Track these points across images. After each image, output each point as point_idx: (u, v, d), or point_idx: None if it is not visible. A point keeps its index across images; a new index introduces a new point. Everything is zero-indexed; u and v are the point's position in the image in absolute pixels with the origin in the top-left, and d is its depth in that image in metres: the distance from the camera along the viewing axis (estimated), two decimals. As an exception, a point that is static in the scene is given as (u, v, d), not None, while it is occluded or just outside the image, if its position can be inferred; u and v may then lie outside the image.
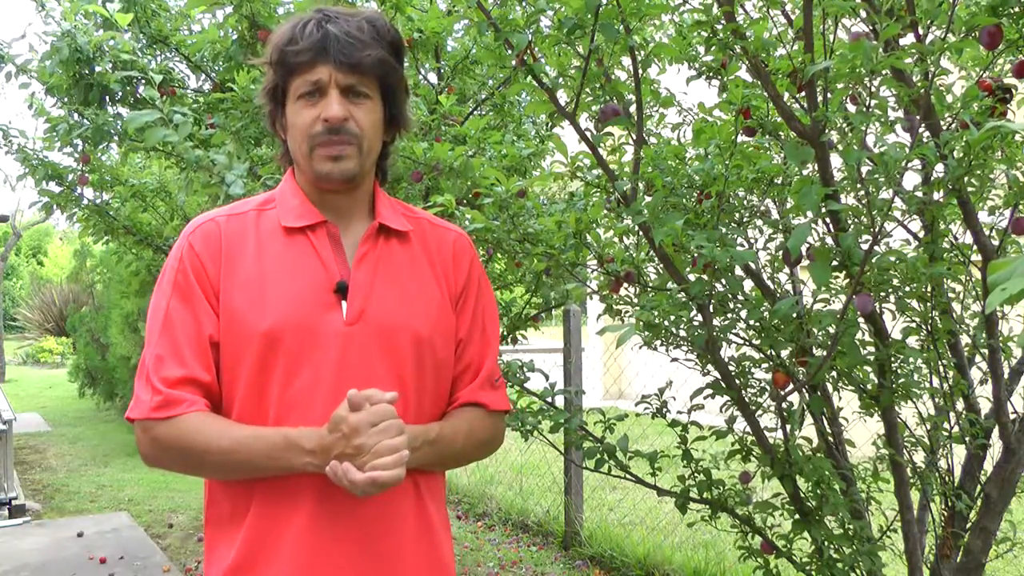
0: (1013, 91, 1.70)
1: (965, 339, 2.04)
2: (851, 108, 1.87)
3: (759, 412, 1.91)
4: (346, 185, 1.26)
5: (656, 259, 1.87)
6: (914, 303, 1.88)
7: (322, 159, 1.22)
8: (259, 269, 1.23)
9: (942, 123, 1.69)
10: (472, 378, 1.34)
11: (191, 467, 1.22)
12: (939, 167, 1.71)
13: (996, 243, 1.82)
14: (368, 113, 1.23)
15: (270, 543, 1.20)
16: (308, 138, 1.22)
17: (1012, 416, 1.91)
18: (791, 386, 1.76)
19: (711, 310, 1.79)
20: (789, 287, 2.17)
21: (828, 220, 1.76)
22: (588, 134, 1.78)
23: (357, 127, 1.22)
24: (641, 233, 1.82)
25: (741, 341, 1.91)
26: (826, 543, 1.88)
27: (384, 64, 1.22)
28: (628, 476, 2.09)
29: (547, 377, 2.21)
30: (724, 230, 1.81)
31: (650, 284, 1.94)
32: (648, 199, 1.81)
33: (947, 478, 2.06)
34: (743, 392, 1.89)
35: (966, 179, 1.62)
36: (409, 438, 1.18)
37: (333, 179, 1.23)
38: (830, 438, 2.05)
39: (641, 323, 1.80)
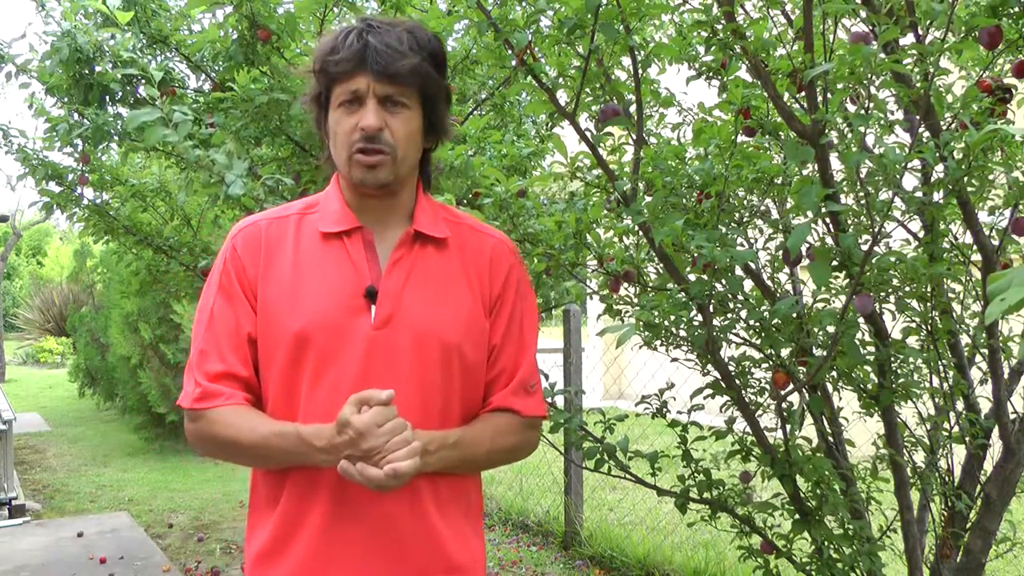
0: (1013, 91, 1.70)
1: (965, 339, 2.04)
2: (851, 108, 1.87)
3: (759, 412, 1.91)
4: (382, 191, 1.30)
5: (656, 259, 1.87)
6: (914, 303, 1.88)
7: (358, 167, 1.26)
8: (295, 272, 1.28)
9: (942, 123, 1.69)
10: (506, 383, 1.35)
11: (227, 456, 1.29)
12: (939, 167, 1.70)
13: (996, 243, 1.82)
14: (404, 123, 1.26)
15: (295, 530, 1.25)
16: (347, 146, 1.26)
17: (1012, 416, 1.91)
18: (791, 386, 1.76)
19: (711, 310, 1.79)
20: (789, 287, 2.17)
21: (828, 220, 1.76)
22: (588, 134, 1.78)
23: (392, 137, 1.25)
24: (641, 233, 1.82)
25: (741, 341, 1.91)
26: (826, 543, 1.88)
27: (422, 74, 1.25)
28: (628, 476, 2.09)
29: (547, 377, 2.20)
30: (724, 230, 1.81)
31: (650, 284, 1.94)
32: (648, 199, 1.81)
33: (947, 478, 2.06)
34: (743, 392, 1.89)
35: (966, 180, 1.62)
36: (425, 441, 1.21)
37: (368, 185, 1.27)
38: (830, 438, 2.05)
39: (641, 323, 1.79)
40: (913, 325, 1.94)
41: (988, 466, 1.98)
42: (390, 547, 1.24)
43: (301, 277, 1.27)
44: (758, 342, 1.88)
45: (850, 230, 1.72)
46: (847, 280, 1.70)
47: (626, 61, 1.84)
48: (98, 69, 2.99)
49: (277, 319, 1.26)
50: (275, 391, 1.27)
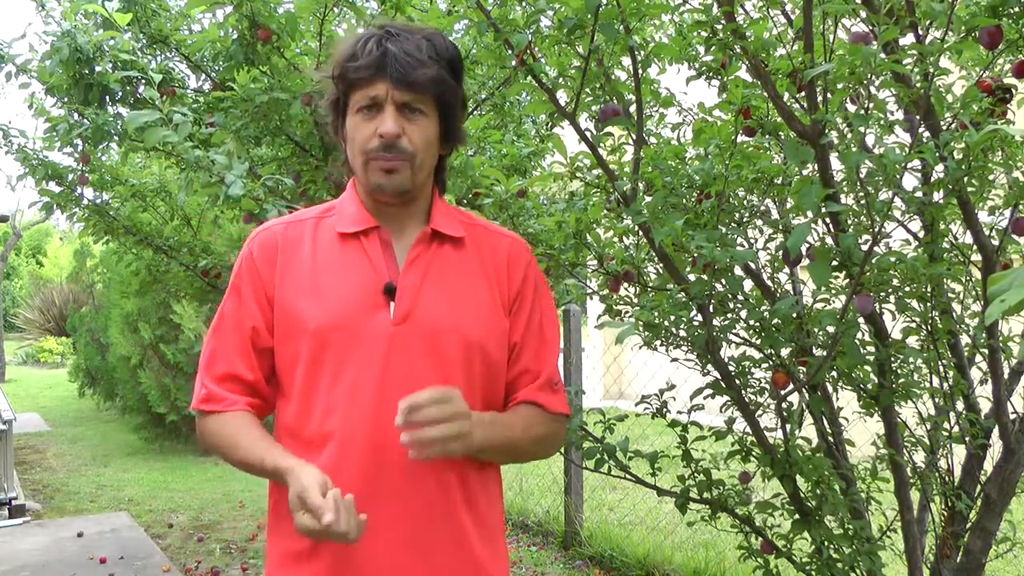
0: (1013, 91, 1.70)
1: (965, 339, 2.04)
2: (851, 108, 1.87)
3: (759, 412, 1.91)
4: (399, 198, 1.30)
5: (656, 259, 1.87)
6: (914, 303, 1.88)
7: (376, 172, 1.26)
8: (313, 272, 1.29)
9: (942, 123, 1.69)
10: (531, 381, 1.35)
11: (227, 460, 1.30)
12: (939, 167, 1.70)
13: (996, 243, 1.82)
14: (422, 130, 1.27)
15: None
16: (364, 152, 1.26)
17: (1012, 416, 1.91)
18: (791, 386, 1.76)
19: (711, 310, 1.79)
20: (789, 287, 2.17)
21: (828, 220, 1.76)
22: (588, 134, 1.78)
23: (410, 144, 1.26)
24: (641, 233, 1.82)
25: (741, 341, 1.91)
26: (826, 543, 1.88)
27: (440, 82, 1.26)
28: (628, 476, 2.09)
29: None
30: (724, 230, 1.81)
31: (650, 284, 1.94)
32: (648, 199, 1.81)
33: (947, 478, 2.06)
34: (743, 392, 1.89)
35: (966, 180, 1.62)
36: (466, 421, 1.18)
37: (385, 192, 1.28)
38: (830, 438, 2.05)
39: (641, 323, 1.79)
40: (913, 325, 1.94)
41: (988, 466, 1.98)
42: (418, 549, 1.24)
43: (319, 277, 1.28)
44: (758, 342, 1.87)
45: (850, 230, 1.71)
46: (847, 280, 1.70)
47: (626, 61, 1.84)
48: (98, 69, 2.99)
49: (296, 320, 1.27)
50: (297, 393, 1.27)
